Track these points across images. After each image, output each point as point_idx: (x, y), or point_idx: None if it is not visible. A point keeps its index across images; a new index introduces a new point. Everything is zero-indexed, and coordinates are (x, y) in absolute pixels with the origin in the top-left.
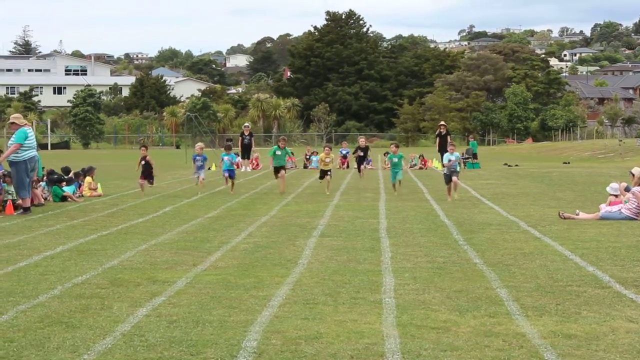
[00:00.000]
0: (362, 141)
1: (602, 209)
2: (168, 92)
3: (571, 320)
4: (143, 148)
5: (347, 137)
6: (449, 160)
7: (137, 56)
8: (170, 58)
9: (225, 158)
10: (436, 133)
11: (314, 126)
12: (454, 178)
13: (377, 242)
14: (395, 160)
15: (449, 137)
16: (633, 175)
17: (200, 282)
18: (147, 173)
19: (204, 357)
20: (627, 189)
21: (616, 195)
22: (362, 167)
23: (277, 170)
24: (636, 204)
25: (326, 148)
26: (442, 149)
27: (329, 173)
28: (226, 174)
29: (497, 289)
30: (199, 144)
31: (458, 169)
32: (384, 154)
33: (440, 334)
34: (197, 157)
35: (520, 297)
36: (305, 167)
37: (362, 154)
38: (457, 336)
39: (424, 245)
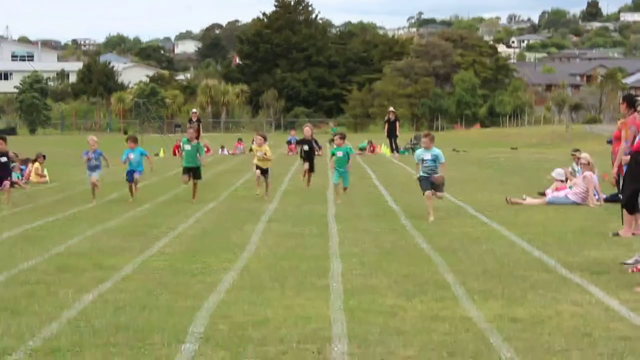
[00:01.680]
0: (307, 131)
1: (548, 194)
2: (116, 78)
3: (517, 304)
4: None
5: (296, 123)
6: (422, 160)
7: (84, 42)
8: (118, 44)
9: (131, 156)
10: (385, 119)
11: (263, 112)
12: (437, 193)
13: (325, 228)
14: (340, 154)
15: (397, 123)
16: (578, 158)
17: (147, 267)
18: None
19: (150, 342)
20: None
21: (562, 181)
22: (306, 168)
23: (186, 172)
24: (584, 188)
25: (257, 137)
26: (391, 135)
27: (266, 176)
28: (131, 177)
29: (444, 274)
30: (92, 137)
31: (439, 171)
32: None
33: (387, 319)
34: (89, 154)
35: (466, 281)
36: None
37: (306, 148)
38: (404, 320)
39: (372, 231)
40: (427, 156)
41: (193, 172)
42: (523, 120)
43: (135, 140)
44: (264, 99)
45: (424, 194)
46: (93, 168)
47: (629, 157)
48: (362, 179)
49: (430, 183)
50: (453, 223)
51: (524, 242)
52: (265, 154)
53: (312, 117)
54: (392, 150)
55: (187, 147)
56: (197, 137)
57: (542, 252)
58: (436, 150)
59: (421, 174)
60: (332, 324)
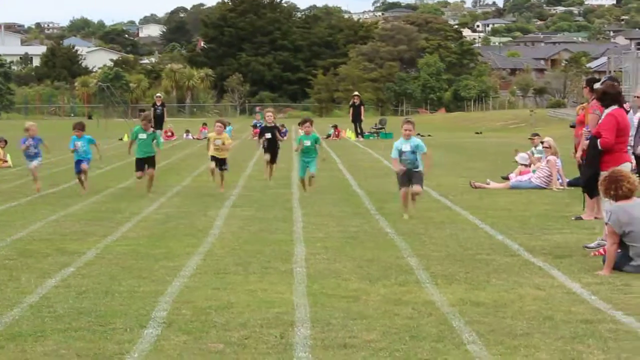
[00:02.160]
0: (269, 117)
1: (512, 178)
2: (80, 62)
3: (480, 288)
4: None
5: (261, 108)
6: (401, 153)
7: (48, 26)
8: (82, 28)
9: (78, 144)
10: (350, 103)
11: (228, 97)
12: (415, 187)
13: (290, 212)
14: (308, 143)
15: (362, 107)
16: (542, 142)
17: (110, 252)
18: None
19: (112, 327)
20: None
21: (526, 165)
22: (267, 159)
23: (140, 165)
24: (547, 172)
25: (217, 124)
26: (356, 119)
27: (224, 167)
28: (78, 169)
29: (407, 258)
30: (30, 124)
31: (420, 166)
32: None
33: (350, 303)
34: (28, 141)
35: (430, 265)
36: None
37: (269, 135)
38: (367, 305)
39: (336, 215)
40: (406, 147)
41: (147, 162)
42: (488, 104)
43: (82, 127)
44: (228, 83)
45: (400, 190)
46: (32, 156)
47: (587, 141)
48: (326, 164)
49: (409, 178)
50: (417, 207)
51: (488, 226)
52: (224, 143)
53: (277, 102)
54: (357, 135)
55: (142, 135)
56: (154, 125)
57: (506, 236)
58: (415, 140)
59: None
60: (296, 309)
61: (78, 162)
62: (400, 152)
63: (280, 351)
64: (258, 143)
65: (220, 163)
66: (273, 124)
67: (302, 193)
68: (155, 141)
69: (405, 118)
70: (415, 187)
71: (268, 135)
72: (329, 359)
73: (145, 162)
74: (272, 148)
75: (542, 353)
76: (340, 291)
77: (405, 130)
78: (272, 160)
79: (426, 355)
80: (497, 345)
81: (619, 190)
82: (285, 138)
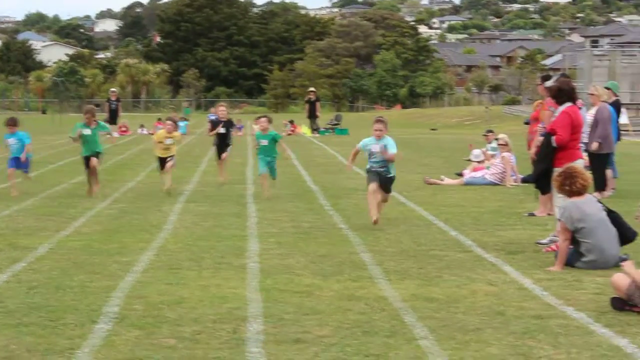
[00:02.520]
0: (222, 112)
1: (466, 174)
2: (34, 56)
3: (432, 283)
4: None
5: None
6: (371, 154)
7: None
8: (37, 22)
9: (11, 141)
10: (306, 99)
11: (184, 92)
12: (384, 195)
13: (244, 208)
14: (265, 142)
15: (318, 103)
16: (496, 139)
17: (62, 247)
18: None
19: (63, 322)
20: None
21: (479, 162)
22: (223, 156)
23: (87, 163)
24: (501, 169)
25: (167, 123)
26: (312, 115)
27: (168, 159)
28: (11, 168)
29: (361, 254)
30: None
31: (392, 171)
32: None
33: (303, 298)
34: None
35: (383, 261)
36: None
37: (223, 130)
38: (320, 300)
39: (290, 211)
40: (376, 148)
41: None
42: (443, 101)
43: (14, 122)
44: (184, 79)
45: (368, 184)
46: None
47: (542, 137)
48: (281, 160)
49: (380, 179)
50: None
51: (441, 222)
52: (172, 146)
53: (232, 97)
54: (312, 131)
55: (87, 131)
56: (110, 120)
57: (459, 232)
58: (387, 139)
59: (370, 167)
60: (248, 304)
61: (13, 160)
62: (370, 154)
63: (232, 346)
64: (212, 133)
65: (164, 162)
66: (227, 119)
67: (260, 191)
68: (100, 133)
69: (376, 117)
70: (384, 195)
71: (222, 130)
72: (281, 354)
73: (91, 158)
74: (224, 145)
75: (493, 348)
76: (293, 286)
77: (376, 130)
78: (220, 154)
79: (378, 350)
80: (449, 341)
81: (573, 186)
82: (241, 134)
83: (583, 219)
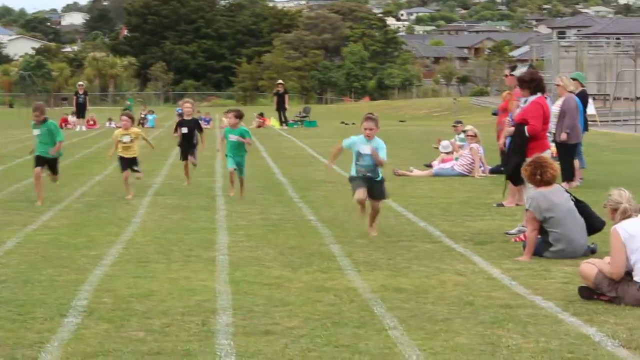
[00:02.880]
0: (187, 108)
1: (434, 166)
2: (1, 50)
3: (401, 274)
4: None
5: (185, 96)
6: (359, 155)
7: None
8: (3, 16)
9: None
10: (274, 92)
11: (151, 85)
12: (375, 202)
13: (212, 201)
14: (234, 138)
15: (286, 95)
16: (464, 131)
17: (30, 241)
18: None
19: (32, 316)
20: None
21: (448, 153)
22: (191, 159)
23: (40, 162)
24: (470, 160)
25: (123, 119)
26: (280, 108)
27: (135, 167)
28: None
29: (330, 245)
30: None
31: (380, 174)
32: (225, 113)
33: (272, 290)
34: None
35: (352, 252)
36: (141, 124)
37: (185, 130)
38: (289, 292)
39: (259, 203)
40: (366, 150)
41: (49, 163)
42: (411, 92)
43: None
44: (152, 72)
45: (353, 195)
46: None
47: (513, 128)
48: (250, 152)
49: (369, 185)
50: (340, 195)
51: (410, 213)
52: (132, 140)
53: (200, 90)
54: (281, 123)
55: (36, 132)
56: (77, 114)
57: (428, 223)
58: (378, 142)
59: (354, 174)
60: (217, 296)
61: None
62: (358, 155)
63: (201, 338)
64: (175, 133)
65: (130, 163)
66: (192, 118)
67: (225, 182)
68: (53, 137)
69: (366, 114)
70: (375, 202)
71: (184, 130)
72: (251, 346)
73: (46, 162)
74: (188, 145)
75: (462, 338)
76: (263, 278)
77: (366, 129)
78: (185, 157)
79: (347, 341)
80: (418, 331)
81: (543, 176)
82: (209, 126)
83: (551, 209)
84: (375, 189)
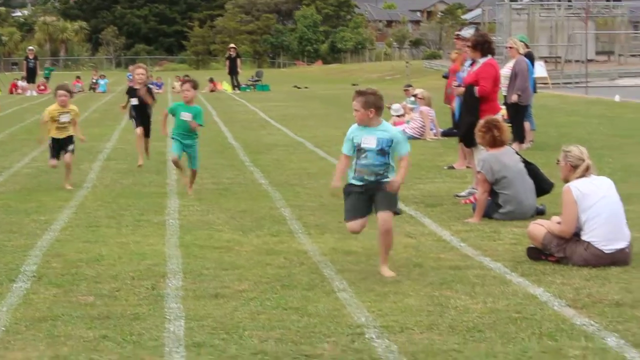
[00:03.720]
0: (139, 75)
1: None
2: None
3: (351, 237)
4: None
5: (137, 61)
6: (359, 150)
7: None
8: None
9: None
10: (226, 56)
11: (103, 50)
12: (383, 214)
13: (164, 165)
14: (187, 117)
15: (239, 59)
16: (415, 95)
17: None
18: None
19: None
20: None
21: (399, 116)
22: (139, 134)
23: None
24: (421, 123)
25: (59, 94)
26: (232, 72)
27: (69, 148)
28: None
29: (281, 209)
30: None
31: (391, 174)
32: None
33: (222, 254)
34: None
35: (303, 215)
36: (93, 89)
37: (135, 101)
38: (240, 255)
39: (211, 167)
40: (370, 142)
41: None
42: (364, 56)
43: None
44: (103, 36)
45: (346, 221)
46: None
47: (463, 89)
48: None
49: (368, 199)
50: (292, 159)
51: None
52: (69, 125)
53: (153, 55)
54: (233, 87)
55: None
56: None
57: None
58: (389, 129)
59: (352, 180)
60: (168, 260)
61: None
62: (359, 149)
63: (151, 302)
64: (125, 112)
65: (65, 143)
66: (144, 85)
67: (182, 183)
68: None
69: (357, 90)
70: (383, 215)
71: (134, 101)
72: (200, 309)
73: None
74: (142, 116)
75: (411, 299)
76: (213, 242)
77: (360, 113)
78: (146, 133)
79: (297, 303)
80: (368, 293)
81: (497, 138)
82: (161, 90)
83: (502, 171)
84: (381, 196)
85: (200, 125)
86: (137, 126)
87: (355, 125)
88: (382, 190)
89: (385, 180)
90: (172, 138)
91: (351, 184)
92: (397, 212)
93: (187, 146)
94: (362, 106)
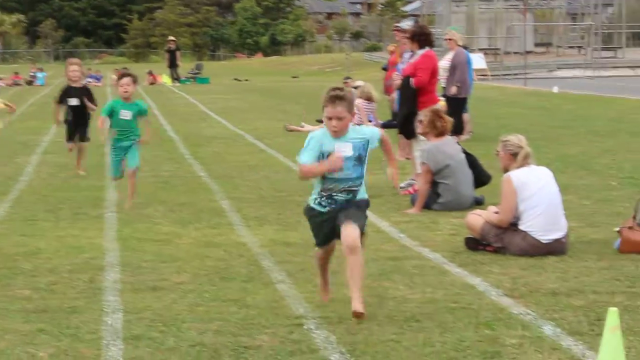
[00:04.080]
0: (74, 72)
1: None
2: None
3: (291, 228)
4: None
5: (76, 54)
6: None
7: None
8: None
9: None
10: (166, 49)
11: (41, 43)
12: (349, 228)
13: (102, 158)
14: (127, 116)
15: (178, 52)
16: (355, 87)
17: None
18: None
19: None
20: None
21: None
22: (71, 145)
23: None
24: (357, 115)
25: None
26: (172, 65)
27: None
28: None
29: (220, 201)
30: None
31: (364, 192)
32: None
33: (161, 246)
34: None
35: (242, 208)
36: (31, 82)
37: (75, 102)
38: (178, 248)
39: (150, 160)
40: (345, 149)
41: None
42: (304, 48)
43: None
44: (41, 29)
45: (316, 248)
46: None
47: (400, 81)
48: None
49: (336, 217)
50: (231, 151)
51: None
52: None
53: (92, 47)
54: (173, 80)
55: None
56: None
57: None
58: (362, 130)
59: (314, 204)
60: (106, 253)
61: None
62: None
63: (89, 295)
64: (57, 116)
65: None
66: (82, 85)
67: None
68: None
69: (332, 94)
70: (349, 229)
71: (73, 102)
72: (138, 302)
73: None
74: (79, 120)
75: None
76: (152, 235)
77: (331, 119)
78: (82, 138)
79: (235, 295)
80: (306, 284)
81: (439, 128)
82: (99, 84)
83: (446, 160)
84: (351, 210)
85: (145, 115)
86: (68, 138)
87: (320, 131)
88: (353, 206)
89: (359, 198)
90: (112, 146)
91: (312, 209)
92: (363, 228)
93: (125, 148)
94: (348, 111)
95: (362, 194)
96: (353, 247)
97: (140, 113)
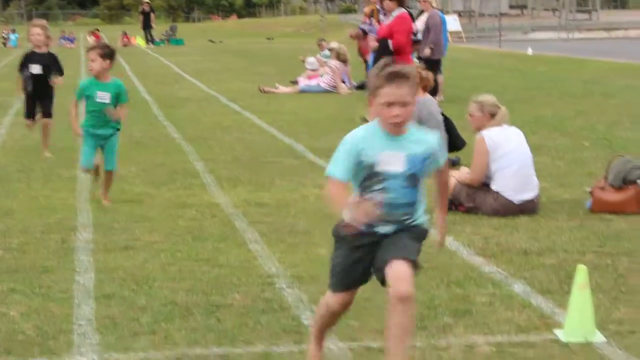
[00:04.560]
0: (37, 36)
1: (300, 82)
2: None
3: (264, 189)
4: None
5: (49, 16)
6: (372, 178)
7: None
8: None
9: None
10: (140, 10)
11: (14, 4)
12: (399, 266)
13: (75, 120)
14: (106, 98)
15: (153, 14)
16: (330, 49)
17: None
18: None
19: None
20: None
21: (314, 70)
22: (44, 121)
23: None
24: (331, 76)
25: None
26: (146, 26)
27: None
28: None
29: (194, 162)
30: None
31: (421, 214)
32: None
33: (133, 207)
34: None
35: (216, 169)
36: (4, 44)
37: (37, 70)
38: (151, 208)
39: (123, 122)
40: (394, 162)
41: None
42: (279, 10)
43: None
44: None
45: (331, 293)
46: None
47: (377, 44)
48: (115, 72)
49: (371, 262)
50: (205, 112)
51: (275, 129)
52: None
53: (65, 9)
54: (147, 42)
55: None
56: None
57: (293, 139)
58: (426, 138)
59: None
60: (78, 214)
61: None
62: (370, 178)
63: (61, 255)
64: (20, 86)
65: None
66: (46, 51)
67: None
68: None
69: (384, 64)
70: (398, 265)
71: (35, 69)
72: (110, 261)
73: None
74: (42, 92)
75: (321, 249)
76: (124, 196)
77: (391, 105)
78: (46, 113)
79: (208, 255)
80: (279, 244)
81: (426, 85)
82: (73, 45)
83: (429, 118)
84: (402, 239)
85: (125, 102)
86: (28, 114)
87: (362, 131)
88: (404, 235)
89: (415, 223)
90: (85, 131)
91: (342, 235)
92: (417, 265)
93: (102, 138)
94: (413, 95)
95: (421, 218)
96: (405, 297)
97: (120, 99)
